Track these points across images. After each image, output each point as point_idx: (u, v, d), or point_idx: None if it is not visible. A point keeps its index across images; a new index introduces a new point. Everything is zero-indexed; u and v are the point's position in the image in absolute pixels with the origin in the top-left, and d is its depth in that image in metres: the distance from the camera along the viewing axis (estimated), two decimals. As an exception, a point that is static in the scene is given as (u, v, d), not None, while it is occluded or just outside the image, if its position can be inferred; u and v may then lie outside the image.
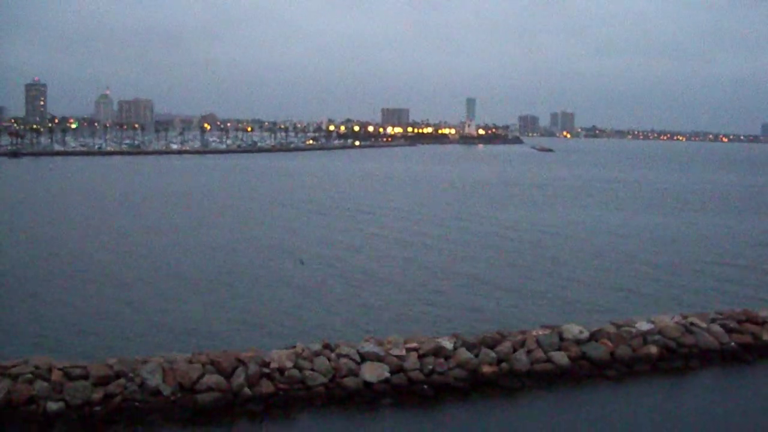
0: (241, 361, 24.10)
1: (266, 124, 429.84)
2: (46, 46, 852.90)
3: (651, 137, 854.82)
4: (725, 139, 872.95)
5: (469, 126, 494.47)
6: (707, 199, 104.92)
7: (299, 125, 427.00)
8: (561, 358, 26.84)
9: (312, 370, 24.41)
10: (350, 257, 49.69)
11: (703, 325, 29.89)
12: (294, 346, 25.93)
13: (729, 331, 29.86)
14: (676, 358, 28.14)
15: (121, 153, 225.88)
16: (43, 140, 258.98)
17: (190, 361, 24.00)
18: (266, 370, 24.04)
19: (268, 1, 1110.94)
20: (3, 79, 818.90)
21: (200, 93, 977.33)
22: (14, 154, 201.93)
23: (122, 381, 22.83)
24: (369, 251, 52.29)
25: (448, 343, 26.55)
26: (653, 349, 27.95)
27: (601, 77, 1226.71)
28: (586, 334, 28.10)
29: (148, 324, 32.51)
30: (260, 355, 24.85)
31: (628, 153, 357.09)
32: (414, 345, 26.36)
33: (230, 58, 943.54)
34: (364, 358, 25.31)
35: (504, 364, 26.19)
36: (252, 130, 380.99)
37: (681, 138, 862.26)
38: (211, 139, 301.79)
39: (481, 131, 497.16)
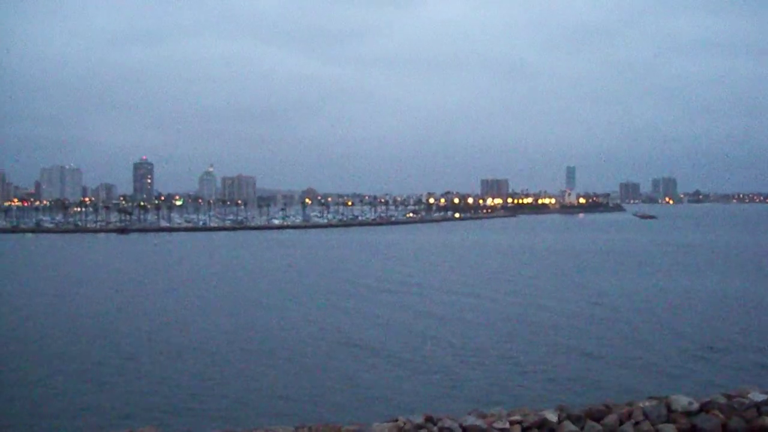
0: (343, 433, 24.19)
1: (366, 197, 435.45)
2: (152, 127, 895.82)
3: (757, 200, 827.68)
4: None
5: (569, 195, 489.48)
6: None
7: (399, 198, 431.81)
8: (670, 430, 26.02)
9: (414, 442, 24.33)
10: (460, 330, 49.62)
11: (823, 396, 28.54)
12: (396, 419, 25.91)
13: None
14: (794, 432, 26.90)
15: (225, 228, 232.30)
16: (150, 217, 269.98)
17: (294, 433, 24.24)
18: (369, 442, 24.05)
19: (362, 77, 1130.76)
20: (113, 158, 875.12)
21: (300, 168, 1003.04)
22: (122, 231, 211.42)
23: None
24: (475, 324, 51.99)
25: (552, 416, 26.07)
26: (769, 422, 26.82)
27: (699, 141, 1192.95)
28: (696, 406, 27.17)
29: (262, 394, 33.22)
30: (362, 428, 24.90)
31: (736, 217, 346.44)
32: (517, 418, 25.94)
33: (328, 134, 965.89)
34: (466, 431, 25.10)
35: (611, 437, 25.55)
36: (352, 204, 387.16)
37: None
38: (312, 214, 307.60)
39: (582, 200, 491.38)
